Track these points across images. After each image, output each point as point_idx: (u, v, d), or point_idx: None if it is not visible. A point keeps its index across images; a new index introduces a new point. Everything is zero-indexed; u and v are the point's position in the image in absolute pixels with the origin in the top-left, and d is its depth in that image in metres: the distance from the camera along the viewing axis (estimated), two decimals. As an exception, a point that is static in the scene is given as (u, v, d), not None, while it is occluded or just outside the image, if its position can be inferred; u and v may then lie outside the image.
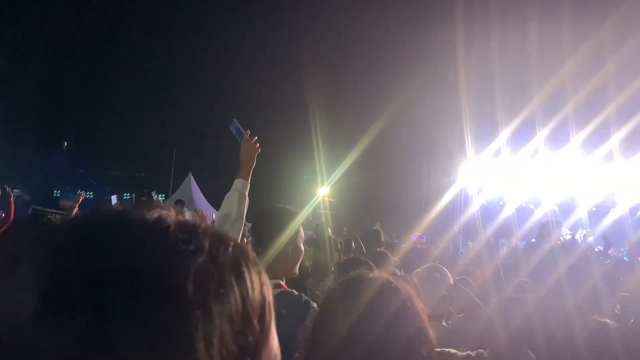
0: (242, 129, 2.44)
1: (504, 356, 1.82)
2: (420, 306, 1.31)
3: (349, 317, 1.21)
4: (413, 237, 7.20)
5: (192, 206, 13.01)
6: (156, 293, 0.41)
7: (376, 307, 1.24)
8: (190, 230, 0.48)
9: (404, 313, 1.25)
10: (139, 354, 0.40)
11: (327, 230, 4.78)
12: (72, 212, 4.99)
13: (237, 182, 2.35)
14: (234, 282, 0.46)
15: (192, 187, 16.98)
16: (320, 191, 13.62)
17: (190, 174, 17.12)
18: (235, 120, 2.46)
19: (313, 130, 11.79)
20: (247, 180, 2.37)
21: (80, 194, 5.44)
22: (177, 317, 0.42)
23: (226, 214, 2.29)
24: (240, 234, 2.30)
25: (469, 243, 9.46)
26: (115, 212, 0.49)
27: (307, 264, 4.07)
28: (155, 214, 0.48)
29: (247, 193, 2.34)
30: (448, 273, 3.01)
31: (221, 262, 0.46)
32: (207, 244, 0.46)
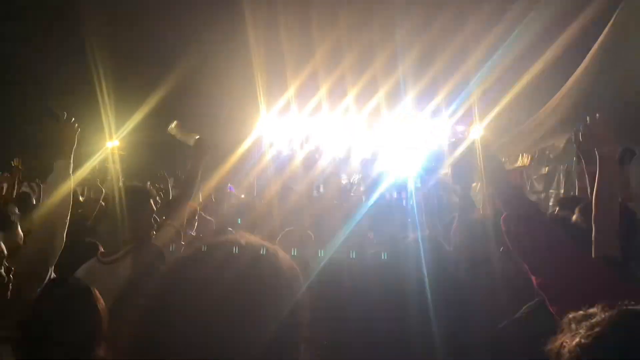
0: (59, 113, 2.57)
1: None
2: None
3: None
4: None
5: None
6: None
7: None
8: None
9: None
10: None
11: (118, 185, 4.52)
12: None
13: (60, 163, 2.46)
14: None
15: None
16: (109, 144, 12.70)
17: None
18: (51, 107, 2.63)
19: (97, 81, 10.80)
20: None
21: None
22: None
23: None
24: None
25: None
26: None
27: None
28: None
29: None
30: None
31: None
32: None
